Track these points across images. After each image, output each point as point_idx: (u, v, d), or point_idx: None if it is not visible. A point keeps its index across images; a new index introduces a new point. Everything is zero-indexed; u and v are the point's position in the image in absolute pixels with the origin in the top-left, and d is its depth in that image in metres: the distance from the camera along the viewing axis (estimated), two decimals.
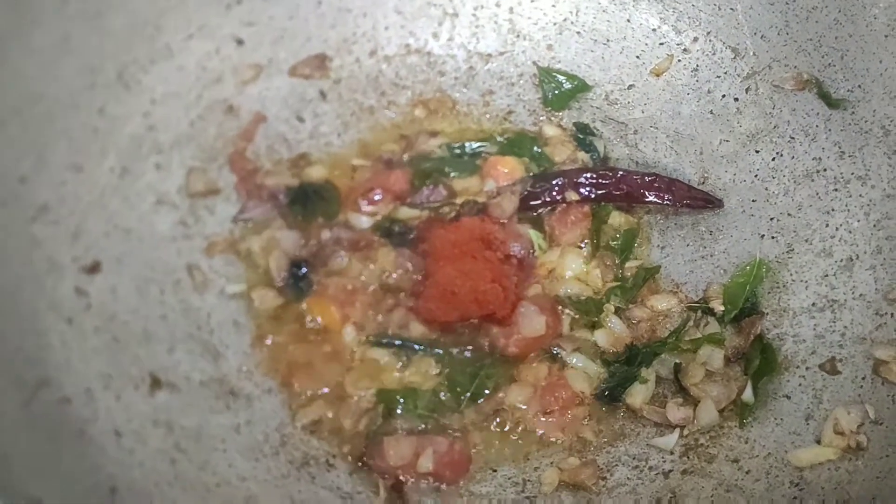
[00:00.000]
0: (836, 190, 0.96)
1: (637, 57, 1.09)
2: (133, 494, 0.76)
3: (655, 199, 1.01)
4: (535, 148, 1.08)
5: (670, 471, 0.88)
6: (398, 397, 0.92)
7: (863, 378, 0.86)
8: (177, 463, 0.83)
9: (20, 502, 0.55)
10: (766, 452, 0.86)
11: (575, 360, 0.94)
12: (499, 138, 1.09)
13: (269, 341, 0.96)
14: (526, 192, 1.03)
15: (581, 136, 1.08)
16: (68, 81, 0.94)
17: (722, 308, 0.96)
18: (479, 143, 1.09)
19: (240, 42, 1.07)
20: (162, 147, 1.01)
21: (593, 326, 0.97)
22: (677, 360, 0.93)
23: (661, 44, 1.08)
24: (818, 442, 0.84)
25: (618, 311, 0.97)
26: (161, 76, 1.02)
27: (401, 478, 0.87)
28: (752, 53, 1.03)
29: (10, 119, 0.87)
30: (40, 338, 0.82)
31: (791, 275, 0.95)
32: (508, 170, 1.06)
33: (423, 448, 0.88)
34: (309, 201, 1.04)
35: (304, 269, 1.00)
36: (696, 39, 1.06)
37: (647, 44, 1.09)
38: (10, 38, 0.87)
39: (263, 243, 1.01)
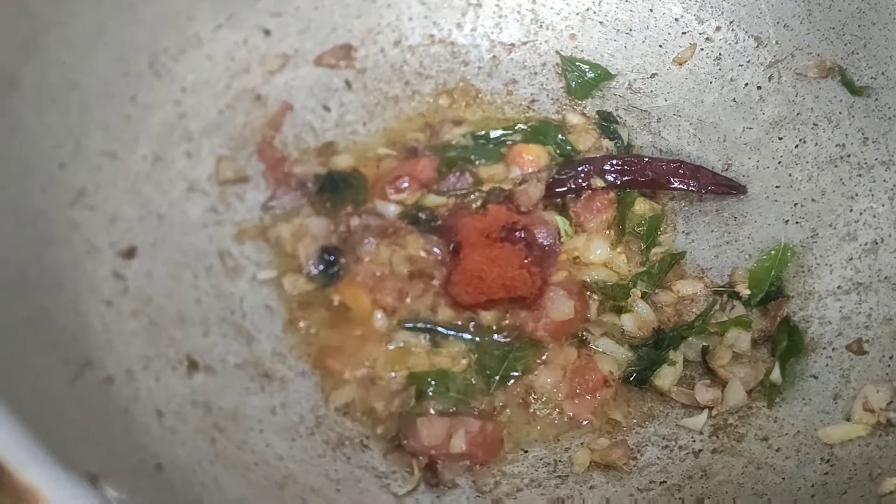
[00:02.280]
0: (859, 175, 0.97)
1: (660, 46, 1.10)
2: (178, 471, 0.77)
3: (681, 186, 1.02)
4: (559, 136, 1.09)
5: (700, 450, 0.89)
6: (429, 380, 0.93)
7: (890, 357, 0.87)
8: (216, 442, 0.84)
9: (80, 475, 0.56)
10: (795, 431, 0.87)
11: (603, 343, 0.96)
12: (522, 126, 1.11)
13: (300, 326, 0.97)
14: (552, 179, 1.04)
15: (605, 124, 1.09)
16: (102, 70, 0.94)
17: (748, 292, 0.97)
18: (503, 132, 1.10)
19: (267, 32, 1.08)
20: (192, 135, 1.02)
21: (620, 311, 0.98)
22: (704, 343, 0.94)
23: (684, 33, 1.09)
24: (847, 419, 0.85)
25: (644, 296, 0.98)
26: (191, 65, 1.03)
27: (434, 458, 0.88)
28: (774, 42, 1.04)
29: (49, 107, 0.88)
30: (82, 319, 0.83)
31: (816, 259, 0.97)
32: (533, 157, 1.07)
33: (455, 429, 0.89)
34: (337, 189, 1.05)
35: (333, 256, 1.01)
36: (718, 28, 1.07)
37: (669, 33, 1.10)
38: (48, 28, 0.88)
39: (293, 230, 1.02)
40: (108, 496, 0.57)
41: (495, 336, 0.96)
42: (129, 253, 0.92)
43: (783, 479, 0.83)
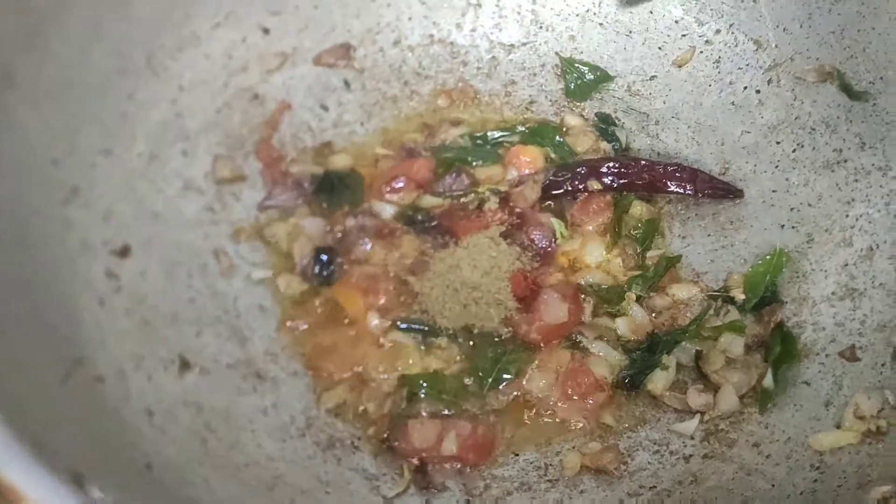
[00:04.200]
0: (856, 181, 0.97)
1: (659, 48, 1.10)
2: (168, 471, 0.77)
3: (677, 189, 1.02)
4: (557, 137, 1.09)
5: (691, 455, 0.89)
6: (421, 381, 0.93)
7: (882, 365, 0.87)
8: (207, 442, 0.84)
9: (64, 475, 0.56)
10: (786, 437, 0.87)
11: (597, 347, 0.95)
12: (520, 128, 1.10)
13: (294, 326, 0.97)
14: (548, 181, 1.04)
15: (603, 126, 1.09)
16: (99, 66, 0.94)
17: (742, 297, 0.96)
18: (500, 133, 1.10)
19: (265, 31, 1.08)
20: (189, 133, 1.02)
21: (615, 314, 0.98)
22: (698, 348, 0.94)
23: (684, 35, 1.09)
24: (838, 426, 0.85)
25: (639, 300, 0.98)
26: (188, 63, 1.03)
27: (425, 460, 0.88)
28: (774, 46, 1.04)
29: (44, 103, 0.88)
30: (74, 317, 0.83)
31: (811, 264, 0.96)
32: (531, 159, 1.07)
33: (446, 431, 0.89)
34: (334, 189, 1.05)
35: (327, 256, 1.01)
36: (718, 31, 1.07)
37: (669, 35, 1.09)
38: (45, 23, 0.88)
39: (289, 230, 1.02)
40: (92, 497, 0.56)
41: (487, 337, 0.96)
42: (123, 251, 0.92)
43: (773, 485, 0.83)
